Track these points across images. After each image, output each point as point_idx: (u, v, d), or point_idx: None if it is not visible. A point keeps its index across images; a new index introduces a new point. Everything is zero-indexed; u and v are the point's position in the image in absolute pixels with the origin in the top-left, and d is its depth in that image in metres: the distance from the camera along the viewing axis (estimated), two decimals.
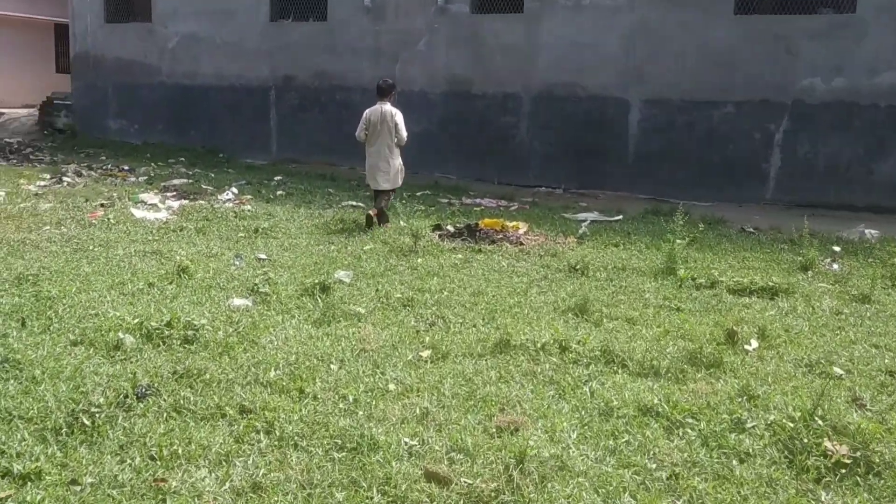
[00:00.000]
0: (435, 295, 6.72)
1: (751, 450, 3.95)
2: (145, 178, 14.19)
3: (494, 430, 4.07)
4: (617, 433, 4.10)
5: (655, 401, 4.44)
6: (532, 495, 3.45)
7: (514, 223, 9.99)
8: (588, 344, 5.38)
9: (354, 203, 11.92)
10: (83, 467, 3.58)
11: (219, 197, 12.09)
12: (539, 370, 4.94)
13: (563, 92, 14.90)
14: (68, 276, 6.87)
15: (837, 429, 4.07)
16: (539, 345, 5.30)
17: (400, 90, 15.38)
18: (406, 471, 3.62)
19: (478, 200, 13.09)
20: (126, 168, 15.29)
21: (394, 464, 3.67)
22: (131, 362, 4.86)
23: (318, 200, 12.14)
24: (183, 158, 17.09)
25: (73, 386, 4.37)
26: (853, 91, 12.70)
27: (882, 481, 3.72)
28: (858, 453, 3.83)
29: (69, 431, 3.87)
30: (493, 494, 3.44)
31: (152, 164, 16.05)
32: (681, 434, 4.12)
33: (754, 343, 5.67)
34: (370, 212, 9.92)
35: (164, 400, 4.25)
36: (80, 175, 14.11)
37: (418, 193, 12.88)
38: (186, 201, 11.67)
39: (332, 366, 4.92)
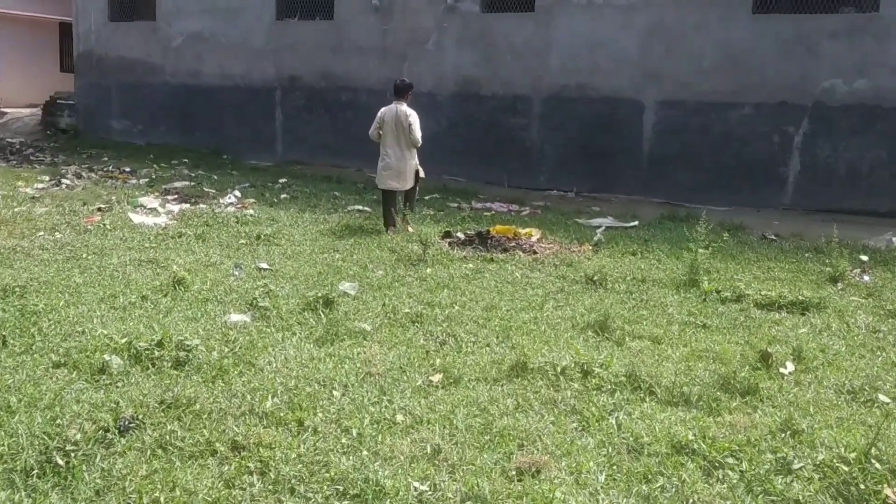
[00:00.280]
0: (445, 310, 6.32)
1: (801, 497, 3.54)
2: (146, 180, 13.83)
3: (514, 472, 3.66)
4: (650, 475, 3.69)
5: (690, 436, 4.02)
6: None
7: (527, 230, 9.59)
8: (611, 367, 4.97)
9: (361, 207, 11.53)
10: None
11: (221, 200, 11.72)
12: (560, 398, 4.53)
13: (575, 93, 14.49)
14: (57, 288, 6.49)
15: None
16: (559, 368, 4.89)
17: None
18: None
19: (488, 205, 12.70)
20: (127, 170, 14.93)
21: None
22: (117, 387, 4.47)
23: (323, 204, 11.75)
24: (186, 160, 16.74)
25: (51, 417, 3.98)
26: (876, 93, 12.25)
27: None
28: None
29: (41, 473, 3.48)
30: None
31: (155, 165, 15.69)
32: (721, 476, 3.71)
33: (790, 366, 5.25)
34: (390, 231, 9.58)
35: (149, 434, 3.86)
36: (79, 177, 13.76)
37: (427, 197, 12.50)
38: (187, 205, 11.30)
39: (334, 392, 4.52)
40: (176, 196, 12.19)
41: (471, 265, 8.04)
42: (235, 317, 5.87)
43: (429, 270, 7.70)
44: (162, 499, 3.32)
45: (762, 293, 7.08)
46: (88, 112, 20.72)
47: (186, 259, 7.82)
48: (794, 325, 6.32)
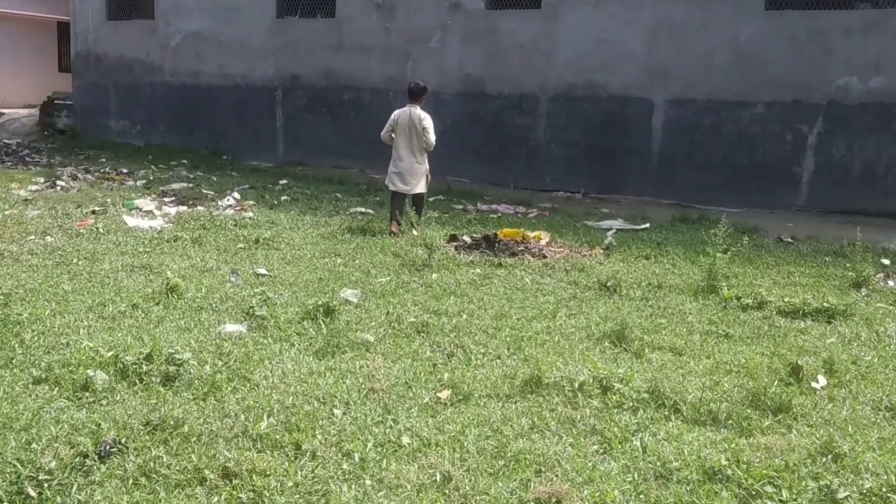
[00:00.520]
0: (453, 318, 5.98)
1: None
2: (144, 181, 13.50)
3: (532, 502, 3.33)
4: None
5: (722, 461, 3.68)
6: None
7: (536, 233, 9.25)
8: (632, 382, 4.63)
9: (363, 210, 11.20)
10: None
11: (219, 202, 11.39)
12: (578, 417, 4.19)
13: (582, 91, 14.16)
14: (44, 296, 6.16)
15: None
16: (576, 384, 4.55)
17: None
18: None
19: (494, 206, 12.36)
20: (125, 171, 14.60)
21: None
22: (101, 405, 4.14)
23: (324, 207, 11.42)
24: (185, 161, 16.41)
25: (25, 441, 3.65)
26: (893, 91, 11.93)
27: None
28: None
29: None
30: None
31: (153, 166, 15.36)
32: None
33: (822, 380, 4.91)
34: (393, 228, 9.39)
35: (132, 461, 3.52)
36: (75, 178, 13.44)
37: (431, 199, 12.13)
38: (185, 207, 10.97)
39: (335, 410, 4.18)
40: (173, 198, 11.86)
41: (478, 270, 7.71)
42: (231, 327, 5.54)
43: (434, 276, 7.37)
44: None
45: (785, 300, 6.74)
46: (86, 112, 20.40)
47: (181, 264, 7.49)
48: (821, 335, 5.98)
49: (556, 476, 3.57)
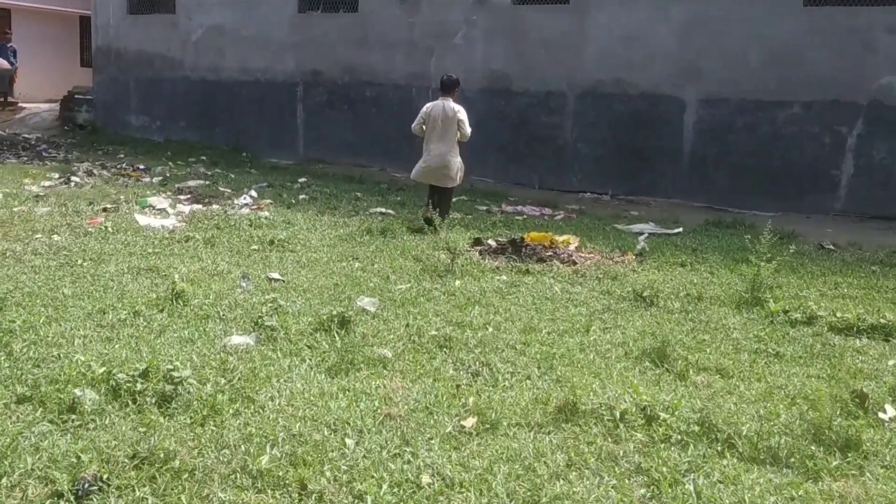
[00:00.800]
0: (477, 332, 5.52)
1: None
2: (160, 178, 13.15)
3: None
4: None
5: None
6: None
7: (565, 237, 8.76)
8: (680, 411, 4.14)
9: (384, 210, 10.75)
10: None
11: (235, 201, 11.00)
12: (621, 452, 3.72)
13: (611, 89, 13.64)
14: (42, 300, 5.77)
15: None
16: (617, 412, 4.07)
17: (434, 86, 14.34)
18: None
19: (519, 208, 11.89)
20: (141, 167, 14.27)
21: None
22: (87, 429, 3.72)
23: (343, 206, 10.99)
24: (204, 157, 16.07)
25: None
26: None
27: None
28: None
29: None
30: None
31: (171, 163, 15.02)
32: None
33: (890, 410, 4.40)
34: (427, 213, 9.22)
35: (112, 502, 3.10)
36: (90, 174, 13.11)
37: (453, 200, 11.68)
38: (199, 206, 10.59)
39: (347, 440, 3.74)
40: (189, 196, 11.50)
41: (504, 277, 7.24)
42: (237, 339, 5.11)
43: (457, 283, 6.91)
44: None
45: (836, 315, 6.21)
46: (106, 107, 20.14)
47: (191, 267, 7.08)
48: (880, 356, 5.46)
49: None
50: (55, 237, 8.12)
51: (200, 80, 18.36)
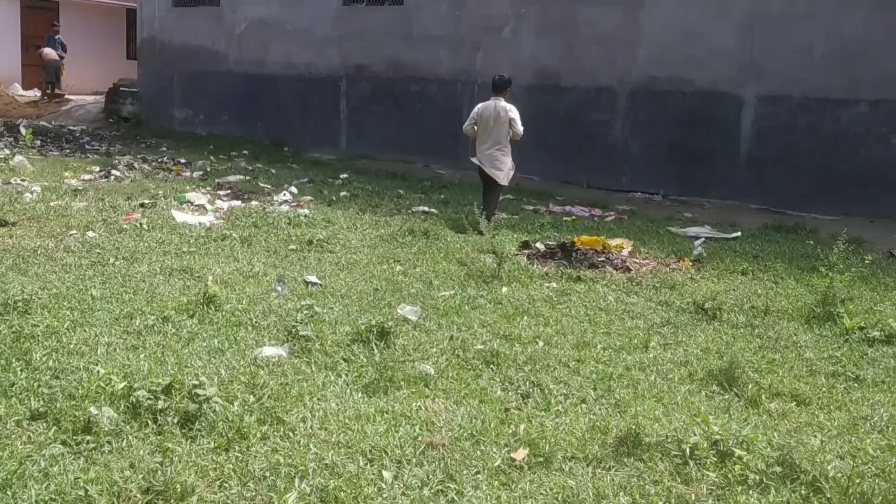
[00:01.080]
0: (527, 346, 5.11)
1: None
2: (201, 172, 12.96)
3: None
4: None
5: None
6: None
7: (617, 241, 8.29)
8: (756, 446, 3.69)
9: (426, 209, 10.37)
10: None
11: (275, 197, 10.72)
12: (693, 497, 3.28)
13: (665, 86, 13.11)
14: (68, 303, 5.49)
15: None
16: (686, 447, 3.64)
17: (480, 82, 13.95)
18: None
19: (567, 208, 11.43)
20: (183, 161, 14.09)
21: None
22: (102, 453, 3.41)
23: (385, 204, 10.63)
24: (246, 152, 15.87)
25: None
26: None
27: None
28: None
29: None
30: None
31: (212, 157, 14.84)
32: None
33: None
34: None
35: None
36: (131, 168, 12.96)
37: (499, 198, 11.28)
38: (238, 202, 10.33)
39: (384, 473, 3.36)
40: (228, 191, 11.27)
41: (554, 284, 6.81)
42: (269, 350, 4.76)
43: (504, 290, 6.50)
44: None
45: None
46: (150, 100, 20.13)
47: (225, 268, 6.77)
48: None
49: None
50: (89, 233, 7.90)
51: (244, 73, 18.21)
